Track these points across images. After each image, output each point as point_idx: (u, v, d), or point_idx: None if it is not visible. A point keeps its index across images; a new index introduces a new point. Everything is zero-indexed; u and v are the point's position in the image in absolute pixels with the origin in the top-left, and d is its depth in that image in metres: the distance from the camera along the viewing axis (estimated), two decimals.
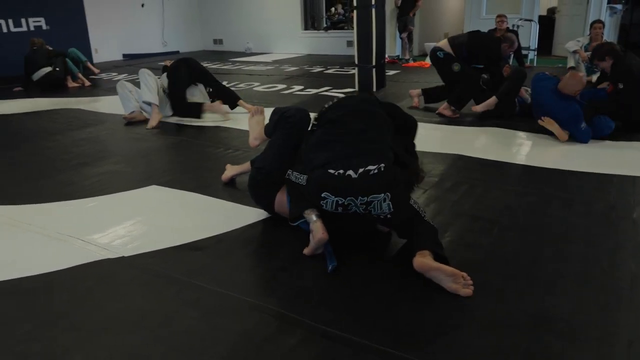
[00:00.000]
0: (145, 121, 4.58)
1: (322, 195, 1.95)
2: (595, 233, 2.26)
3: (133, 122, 4.62)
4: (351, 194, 1.91)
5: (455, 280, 1.79)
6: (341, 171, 1.92)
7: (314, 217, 2.06)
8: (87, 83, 7.13)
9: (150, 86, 4.58)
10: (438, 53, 4.64)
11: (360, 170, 1.90)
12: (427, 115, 4.59)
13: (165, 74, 4.74)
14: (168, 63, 4.79)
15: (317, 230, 2.02)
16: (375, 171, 1.89)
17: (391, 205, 1.91)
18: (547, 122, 3.72)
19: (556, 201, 2.61)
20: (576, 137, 3.65)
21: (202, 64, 5.03)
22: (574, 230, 2.28)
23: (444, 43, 4.72)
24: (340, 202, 1.94)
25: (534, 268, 1.96)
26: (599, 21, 6.40)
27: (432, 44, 8.70)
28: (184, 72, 4.68)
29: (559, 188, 2.80)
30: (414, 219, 2.02)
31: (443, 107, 4.54)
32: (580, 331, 1.58)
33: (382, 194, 1.89)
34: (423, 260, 1.84)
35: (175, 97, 4.70)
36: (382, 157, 1.95)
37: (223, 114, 4.70)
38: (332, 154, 1.99)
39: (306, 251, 2.08)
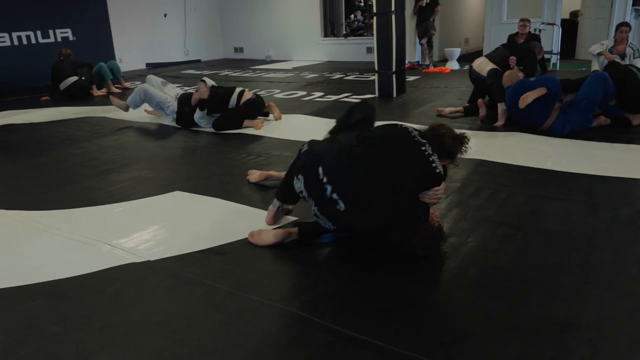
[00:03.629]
0: (161, 129, 4.69)
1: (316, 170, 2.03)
2: (622, 239, 2.21)
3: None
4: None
5: None
6: (334, 195, 1.99)
7: (276, 202, 2.39)
8: (114, 90, 7.29)
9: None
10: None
11: (347, 207, 1.98)
12: (447, 121, 4.57)
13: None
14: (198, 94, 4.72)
15: (268, 217, 2.42)
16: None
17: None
18: (525, 96, 3.81)
19: (582, 206, 2.57)
20: (551, 91, 3.80)
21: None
22: (600, 236, 2.24)
23: (485, 61, 4.82)
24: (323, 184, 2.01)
25: (559, 274, 1.93)
26: (625, 24, 6.28)
27: (452, 49, 8.74)
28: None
29: (584, 193, 2.75)
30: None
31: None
32: (608, 338, 1.55)
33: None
34: None
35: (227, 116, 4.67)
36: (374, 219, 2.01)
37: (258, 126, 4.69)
38: (333, 175, 2.03)
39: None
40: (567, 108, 3.91)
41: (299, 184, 2.13)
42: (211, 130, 4.65)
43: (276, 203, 2.44)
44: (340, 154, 2.07)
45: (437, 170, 2.05)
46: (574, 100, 3.90)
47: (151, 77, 5.18)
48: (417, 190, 2.08)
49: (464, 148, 2.22)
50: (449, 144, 2.17)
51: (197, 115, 4.64)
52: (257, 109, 4.79)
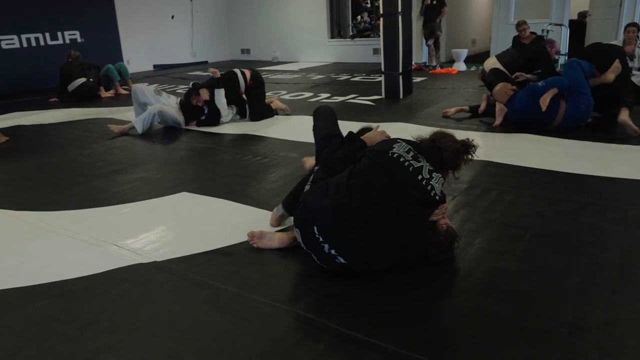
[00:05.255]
0: (168, 130, 4.71)
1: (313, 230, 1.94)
2: (630, 240, 2.19)
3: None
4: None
5: None
6: (320, 238, 1.91)
7: (281, 209, 2.41)
8: (122, 92, 7.34)
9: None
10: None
11: (347, 260, 1.91)
12: (452, 122, 4.56)
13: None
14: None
15: (272, 219, 2.44)
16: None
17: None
18: (544, 99, 3.93)
19: (589, 208, 2.55)
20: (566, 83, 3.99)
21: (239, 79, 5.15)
22: (608, 238, 2.22)
23: (494, 62, 4.81)
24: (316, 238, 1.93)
25: (566, 276, 1.92)
26: (633, 24, 6.22)
27: (459, 51, 8.71)
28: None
29: (592, 194, 2.74)
30: None
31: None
32: (616, 341, 1.53)
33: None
34: None
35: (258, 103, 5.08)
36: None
37: (285, 108, 5.26)
38: (322, 217, 1.91)
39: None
40: (568, 97, 4.03)
41: (298, 237, 2.06)
42: (218, 130, 4.67)
43: (281, 209, 2.43)
44: (334, 213, 1.89)
45: (437, 198, 1.94)
46: (568, 90, 4.05)
47: (142, 88, 4.93)
48: (420, 218, 1.96)
49: (469, 157, 2.12)
50: (450, 158, 2.06)
51: (225, 112, 4.83)
52: (262, 79, 5.16)
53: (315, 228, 1.92)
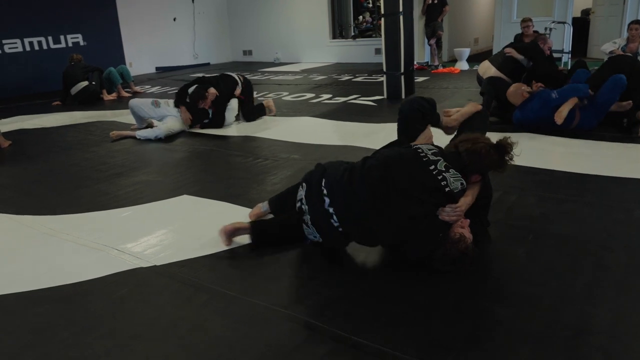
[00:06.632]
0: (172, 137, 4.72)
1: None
2: (636, 240, 2.16)
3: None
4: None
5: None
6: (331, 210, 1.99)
7: (266, 205, 2.53)
8: (124, 94, 7.34)
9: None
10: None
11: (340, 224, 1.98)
12: None
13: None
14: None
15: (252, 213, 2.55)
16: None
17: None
18: (560, 112, 3.79)
19: (594, 208, 2.52)
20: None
21: (235, 78, 5.20)
22: (614, 238, 2.19)
23: (487, 66, 4.77)
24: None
25: (571, 277, 1.89)
26: (637, 21, 6.18)
27: (462, 50, 8.68)
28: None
29: (597, 194, 2.71)
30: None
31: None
32: (622, 343, 1.51)
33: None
34: None
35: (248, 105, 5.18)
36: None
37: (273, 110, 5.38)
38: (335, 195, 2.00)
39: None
40: (588, 107, 3.90)
41: (301, 192, 2.11)
42: (219, 132, 4.66)
43: (266, 205, 2.52)
44: (342, 176, 2.02)
45: (447, 189, 1.93)
46: (593, 101, 3.89)
47: (139, 104, 4.80)
48: (428, 209, 1.94)
49: (506, 159, 2.05)
50: (470, 161, 2.02)
51: (230, 113, 4.92)
52: (250, 82, 5.33)
53: (323, 181, 2.04)
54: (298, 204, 2.13)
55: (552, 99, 3.88)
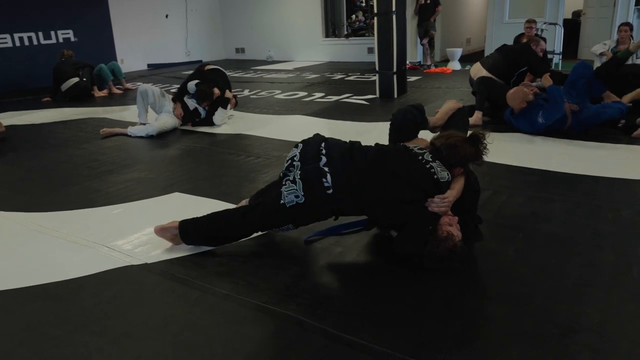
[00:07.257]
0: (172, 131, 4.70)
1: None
2: (624, 240, 2.19)
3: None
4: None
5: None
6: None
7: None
8: (115, 91, 7.29)
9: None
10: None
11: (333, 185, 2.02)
12: None
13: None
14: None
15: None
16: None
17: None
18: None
19: (584, 208, 2.55)
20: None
21: (224, 72, 5.20)
22: (602, 238, 2.22)
23: (479, 69, 4.79)
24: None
25: (560, 277, 1.91)
26: (626, 24, 6.26)
27: (454, 50, 8.71)
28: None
29: (586, 194, 2.73)
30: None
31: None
32: (610, 342, 1.53)
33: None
34: None
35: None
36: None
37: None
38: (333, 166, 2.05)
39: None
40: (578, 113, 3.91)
41: (295, 151, 2.17)
42: (211, 130, 4.65)
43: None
44: (344, 148, 2.14)
45: (435, 177, 2.02)
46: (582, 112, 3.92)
47: (151, 90, 4.76)
48: (419, 196, 2.00)
49: (480, 148, 2.13)
50: (449, 154, 2.10)
51: (220, 114, 4.86)
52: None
53: (323, 144, 2.14)
54: (287, 162, 2.15)
55: (538, 123, 3.90)
